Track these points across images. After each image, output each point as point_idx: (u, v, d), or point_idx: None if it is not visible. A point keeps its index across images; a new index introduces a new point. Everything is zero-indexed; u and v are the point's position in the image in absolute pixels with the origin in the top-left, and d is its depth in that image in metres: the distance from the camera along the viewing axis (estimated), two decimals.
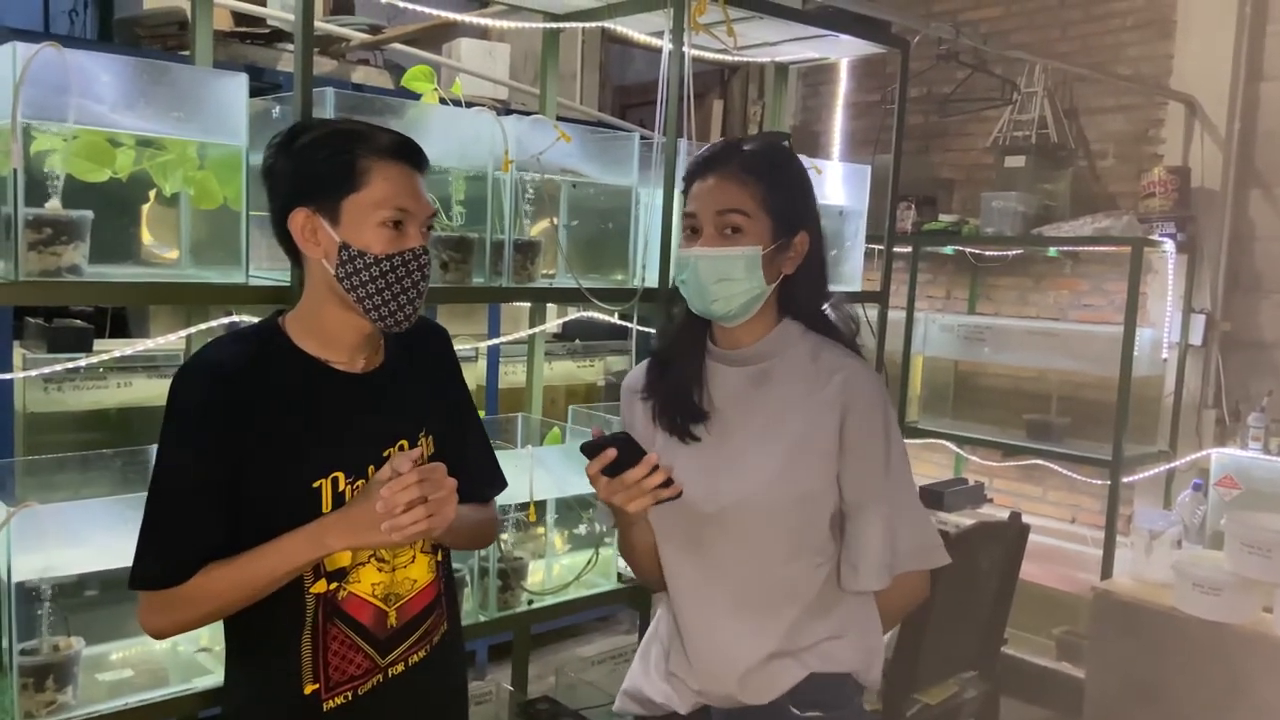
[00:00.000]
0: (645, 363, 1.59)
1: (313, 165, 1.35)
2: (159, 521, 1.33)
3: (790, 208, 1.46)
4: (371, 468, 1.38)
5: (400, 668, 1.44)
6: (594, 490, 1.40)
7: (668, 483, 1.37)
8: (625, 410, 1.60)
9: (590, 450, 1.37)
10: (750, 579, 1.47)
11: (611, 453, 1.36)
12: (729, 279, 1.42)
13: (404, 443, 1.44)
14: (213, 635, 1.88)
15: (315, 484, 1.36)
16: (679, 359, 1.52)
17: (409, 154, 1.39)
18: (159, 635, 1.40)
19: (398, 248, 1.35)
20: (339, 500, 1.37)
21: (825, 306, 1.53)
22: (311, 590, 1.37)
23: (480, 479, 1.61)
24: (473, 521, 1.54)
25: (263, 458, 1.34)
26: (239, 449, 1.32)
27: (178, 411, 1.35)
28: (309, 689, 1.37)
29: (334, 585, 1.38)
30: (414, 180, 1.38)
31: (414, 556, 1.45)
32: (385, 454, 1.40)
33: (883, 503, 1.45)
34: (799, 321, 1.51)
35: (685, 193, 1.49)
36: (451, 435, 1.54)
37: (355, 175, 1.34)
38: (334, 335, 1.41)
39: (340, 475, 1.37)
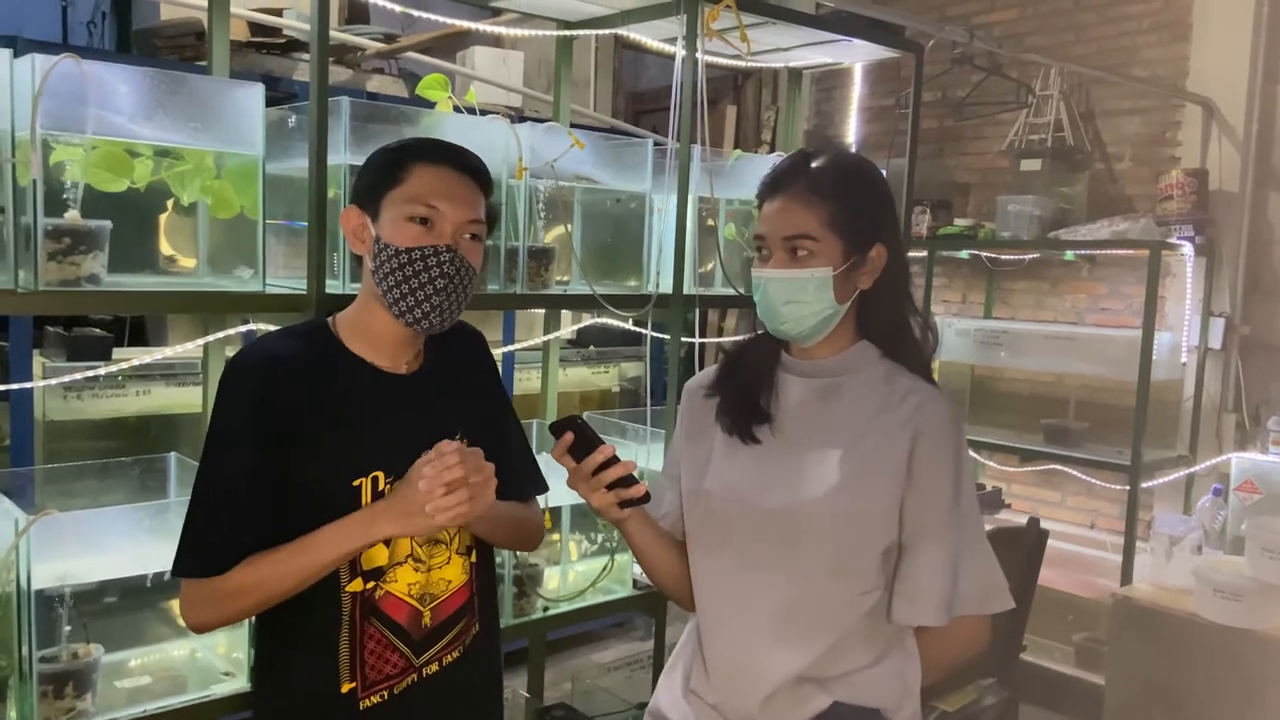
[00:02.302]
0: (716, 365, 1.58)
1: (368, 167, 1.45)
2: (204, 511, 1.36)
3: (862, 223, 1.41)
4: None
5: (434, 668, 1.46)
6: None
7: (632, 481, 1.35)
8: (684, 408, 1.58)
9: (556, 430, 1.37)
10: (789, 595, 1.41)
11: (570, 436, 1.35)
12: (798, 301, 1.40)
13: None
14: (231, 643, 1.90)
15: (356, 482, 1.38)
16: (752, 361, 1.50)
17: (450, 157, 1.43)
18: (200, 629, 1.42)
19: (420, 242, 1.38)
20: (378, 499, 1.39)
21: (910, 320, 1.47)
22: (348, 589, 1.38)
23: (521, 478, 1.63)
24: (515, 518, 1.56)
25: (306, 453, 1.36)
26: (284, 443, 1.35)
27: (226, 404, 1.38)
28: (346, 687, 1.39)
29: (370, 584, 1.39)
30: (453, 184, 1.42)
31: (449, 558, 1.47)
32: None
33: (947, 537, 1.39)
34: (876, 344, 1.46)
35: (759, 210, 1.47)
36: (489, 437, 1.55)
37: (396, 173, 1.40)
38: (378, 335, 1.44)
39: (380, 474, 1.39)
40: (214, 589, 1.34)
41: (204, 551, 1.34)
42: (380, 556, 1.40)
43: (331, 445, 1.38)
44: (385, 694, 1.42)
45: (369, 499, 1.38)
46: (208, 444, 1.38)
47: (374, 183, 1.42)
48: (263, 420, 1.35)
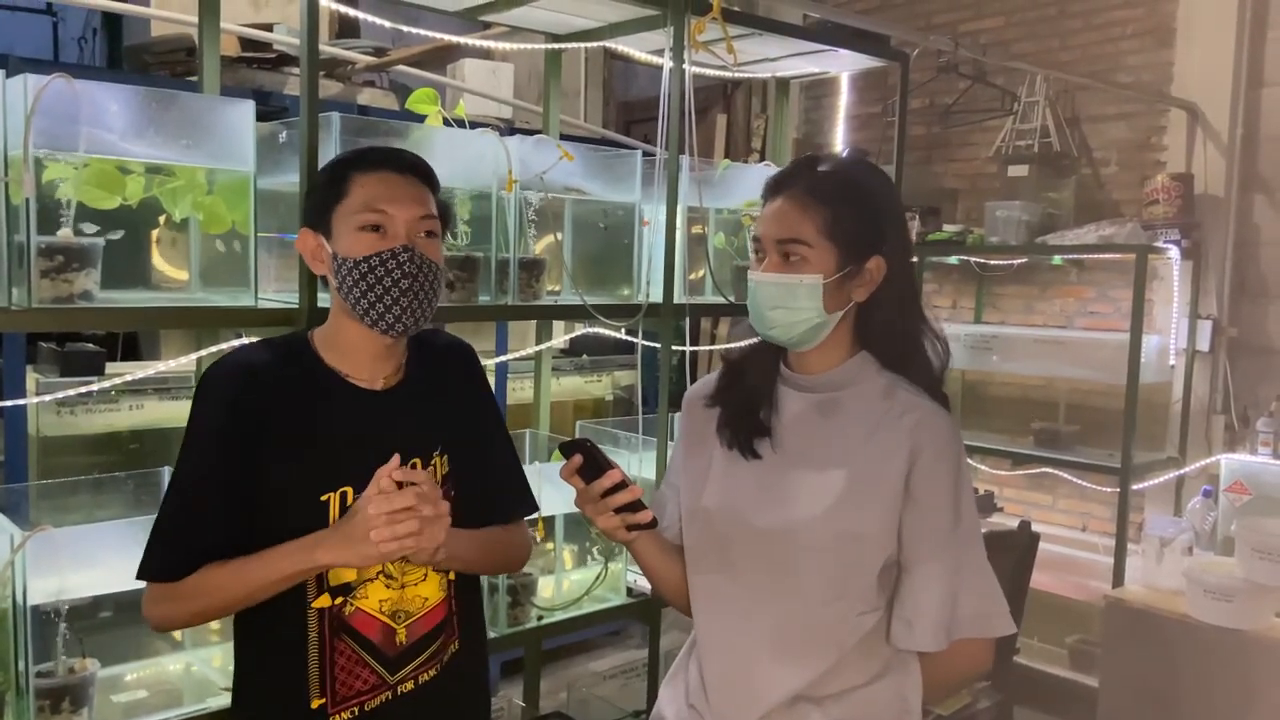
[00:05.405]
0: (715, 372, 1.54)
1: (313, 188, 1.45)
2: (168, 517, 1.38)
3: (861, 233, 1.37)
4: None
5: (410, 685, 1.44)
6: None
7: (639, 506, 1.34)
8: (684, 417, 1.55)
9: (566, 450, 1.36)
10: (787, 615, 1.38)
11: (579, 459, 1.34)
12: (785, 306, 1.37)
13: (416, 461, 1.44)
14: (226, 657, 1.90)
15: (324, 497, 1.38)
16: (752, 373, 1.47)
17: (388, 161, 1.42)
18: (158, 626, 1.44)
19: (377, 249, 1.38)
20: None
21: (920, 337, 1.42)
22: (314, 605, 1.38)
23: (506, 499, 1.60)
24: (491, 546, 1.53)
25: (276, 465, 1.37)
26: (253, 453, 1.36)
27: (200, 410, 1.40)
28: (315, 703, 1.38)
29: (339, 600, 1.39)
30: (395, 186, 1.41)
31: (425, 575, 1.45)
32: None
33: (947, 559, 1.36)
34: (876, 356, 1.42)
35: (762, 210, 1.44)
36: (472, 454, 1.53)
37: (339, 187, 1.40)
38: (352, 350, 1.44)
39: (349, 490, 1.38)
40: (169, 591, 1.36)
41: (162, 557, 1.36)
42: (348, 573, 1.39)
43: (300, 459, 1.38)
44: (356, 710, 1.40)
45: (336, 514, 1.38)
46: (180, 451, 1.39)
47: (320, 201, 1.42)
48: (233, 429, 1.36)
